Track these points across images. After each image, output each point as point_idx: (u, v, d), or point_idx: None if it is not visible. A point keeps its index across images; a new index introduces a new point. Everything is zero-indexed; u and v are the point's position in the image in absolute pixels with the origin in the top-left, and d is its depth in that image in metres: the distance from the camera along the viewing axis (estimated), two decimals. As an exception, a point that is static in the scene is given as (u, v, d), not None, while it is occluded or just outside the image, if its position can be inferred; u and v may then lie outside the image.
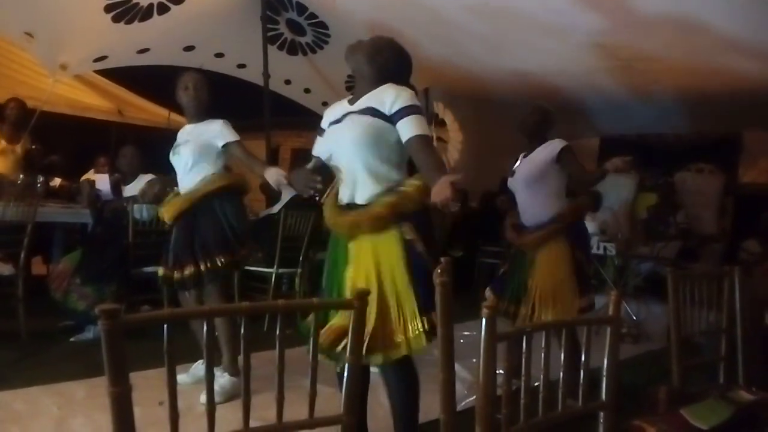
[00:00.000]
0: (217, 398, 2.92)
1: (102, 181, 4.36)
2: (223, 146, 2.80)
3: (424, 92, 6.17)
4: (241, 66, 5.68)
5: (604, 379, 1.34)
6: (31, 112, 4.89)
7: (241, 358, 1.13)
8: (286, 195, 4.46)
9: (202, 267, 2.73)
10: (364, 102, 1.95)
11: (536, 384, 1.21)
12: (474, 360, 3.09)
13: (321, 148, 2.08)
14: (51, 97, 5.39)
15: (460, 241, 6.52)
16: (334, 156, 1.99)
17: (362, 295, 1.18)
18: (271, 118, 5.56)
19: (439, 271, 1.30)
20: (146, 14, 4.63)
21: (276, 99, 6.03)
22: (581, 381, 1.30)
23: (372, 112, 1.89)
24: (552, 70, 5.00)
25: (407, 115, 1.85)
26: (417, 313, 1.81)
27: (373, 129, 1.88)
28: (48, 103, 5.37)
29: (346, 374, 1.19)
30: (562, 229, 2.93)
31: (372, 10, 4.64)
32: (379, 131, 1.88)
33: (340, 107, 2.05)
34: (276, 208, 4.59)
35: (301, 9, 5.28)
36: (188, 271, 2.75)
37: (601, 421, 1.35)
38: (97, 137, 7.18)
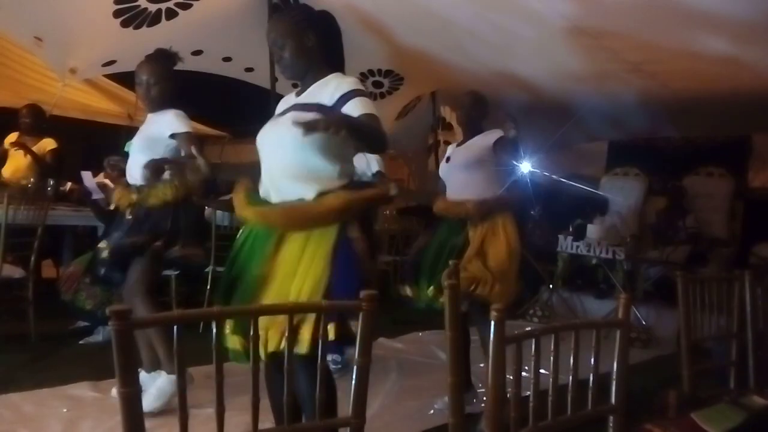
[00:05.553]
0: (156, 403, 2.79)
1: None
2: (171, 136, 2.63)
3: (432, 96, 6.17)
4: (249, 70, 5.69)
5: (614, 383, 1.34)
6: (46, 116, 4.83)
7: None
8: None
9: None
10: (309, 94, 1.85)
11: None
12: (482, 365, 3.07)
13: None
14: (60, 101, 5.43)
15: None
16: (272, 153, 1.84)
17: (371, 298, 1.18)
18: (279, 122, 5.57)
19: (447, 273, 1.30)
20: (155, 19, 4.65)
21: (284, 103, 6.03)
22: (590, 385, 1.29)
23: (318, 108, 1.70)
24: (559, 74, 4.98)
25: (350, 99, 1.75)
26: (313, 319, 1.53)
27: None
28: (58, 106, 5.41)
29: (354, 376, 1.19)
30: (511, 205, 2.80)
31: (375, 11, 4.64)
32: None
33: (287, 100, 1.96)
34: None
35: (308, 12, 5.30)
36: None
37: (611, 424, 1.35)
38: (107, 141, 7.23)
